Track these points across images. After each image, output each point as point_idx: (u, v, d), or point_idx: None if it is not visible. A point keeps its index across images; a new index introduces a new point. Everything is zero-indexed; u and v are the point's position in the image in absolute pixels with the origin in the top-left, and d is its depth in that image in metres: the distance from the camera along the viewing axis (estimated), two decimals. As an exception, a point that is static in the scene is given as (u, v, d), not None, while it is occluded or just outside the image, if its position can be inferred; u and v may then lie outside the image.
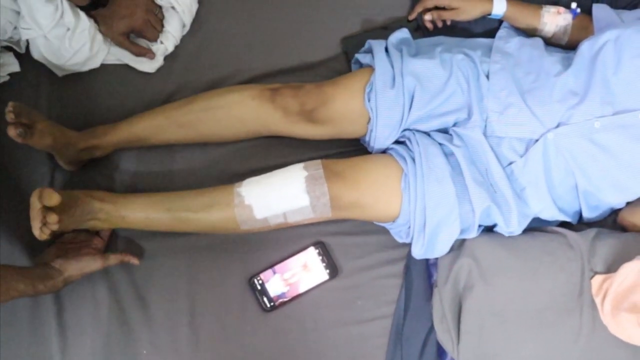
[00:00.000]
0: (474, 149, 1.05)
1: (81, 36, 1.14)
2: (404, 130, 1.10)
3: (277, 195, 1.02)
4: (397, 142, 1.12)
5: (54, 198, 0.95)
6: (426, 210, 1.01)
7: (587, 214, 1.08)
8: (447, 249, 1.07)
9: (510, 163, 1.04)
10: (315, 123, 1.11)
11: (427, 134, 1.10)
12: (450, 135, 1.08)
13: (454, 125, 1.09)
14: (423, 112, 1.07)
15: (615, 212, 1.09)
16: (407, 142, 1.09)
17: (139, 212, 1.05)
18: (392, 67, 1.09)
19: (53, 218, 0.94)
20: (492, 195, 1.03)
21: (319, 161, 1.05)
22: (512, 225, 1.04)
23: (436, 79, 1.07)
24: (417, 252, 1.07)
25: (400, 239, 1.12)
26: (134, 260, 1.10)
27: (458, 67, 1.08)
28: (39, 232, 0.95)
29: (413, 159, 1.05)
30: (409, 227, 1.05)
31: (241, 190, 1.03)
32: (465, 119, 1.07)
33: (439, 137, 1.08)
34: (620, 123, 0.99)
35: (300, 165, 1.05)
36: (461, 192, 1.03)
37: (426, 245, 1.04)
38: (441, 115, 1.08)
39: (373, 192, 1.03)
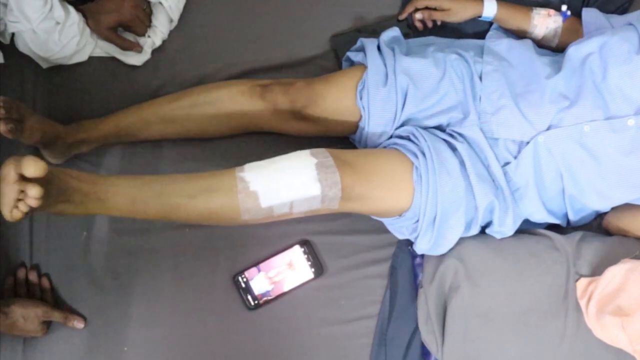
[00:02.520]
0: (476, 146, 1.04)
1: (70, 30, 1.13)
2: (400, 127, 1.08)
3: (286, 183, 0.91)
4: (399, 137, 1.08)
5: (39, 167, 0.76)
6: (438, 204, 0.97)
7: (572, 217, 1.08)
8: (453, 244, 1.04)
9: (506, 164, 1.04)
10: (305, 120, 1.11)
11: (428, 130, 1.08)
12: (449, 133, 1.07)
13: (448, 125, 1.08)
14: (416, 110, 1.06)
15: (600, 216, 1.09)
16: (412, 137, 1.05)
17: (122, 197, 0.88)
18: (385, 65, 1.08)
19: (36, 191, 0.76)
20: (494, 192, 1.01)
21: (324, 149, 0.97)
22: (506, 224, 1.03)
23: (430, 78, 1.06)
24: (423, 247, 1.03)
25: (401, 235, 1.09)
26: (79, 324, 1.10)
27: (452, 66, 1.07)
28: (12, 209, 0.77)
29: (422, 153, 1.01)
30: (416, 222, 1.01)
31: (245, 175, 0.91)
32: (461, 118, 1.06)
33: (441, 134, 1.06)
34: (611, 128, 0.98)
35: (307, 151, 0.95)
36: (467, 187, 1.00)
37: (434, 239, 1.01)
38: (434, 115, 1.07)
39: (385, 184, 0.97)
